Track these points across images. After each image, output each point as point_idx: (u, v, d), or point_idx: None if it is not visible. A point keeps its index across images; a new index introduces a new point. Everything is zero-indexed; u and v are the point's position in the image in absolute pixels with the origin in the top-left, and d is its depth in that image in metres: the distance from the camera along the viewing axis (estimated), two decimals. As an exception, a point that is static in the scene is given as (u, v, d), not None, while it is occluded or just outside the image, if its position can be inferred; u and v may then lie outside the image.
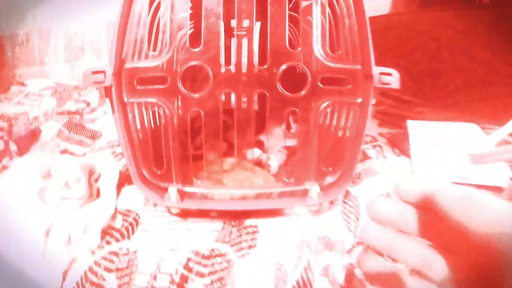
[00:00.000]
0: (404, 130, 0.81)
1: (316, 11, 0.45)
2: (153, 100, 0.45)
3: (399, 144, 0.77)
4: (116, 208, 0.55)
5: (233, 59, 0.45)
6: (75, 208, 0.54)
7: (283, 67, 0.44)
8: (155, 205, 0.55)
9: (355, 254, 0.48)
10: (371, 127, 0.85)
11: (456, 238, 0.28)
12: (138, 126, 0.46)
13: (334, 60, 0.45)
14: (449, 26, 1.06)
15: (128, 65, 0.44)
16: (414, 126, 0.78)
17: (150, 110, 0.46)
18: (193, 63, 0.44)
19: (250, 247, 0.47)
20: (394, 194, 0.34)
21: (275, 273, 0.45)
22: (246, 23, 0.45)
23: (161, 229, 0.51)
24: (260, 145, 0.62)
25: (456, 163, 0.65)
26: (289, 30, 0.45)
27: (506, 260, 0.25)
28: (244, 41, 0.45)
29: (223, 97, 0.46)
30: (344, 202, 0.56)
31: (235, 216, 0.52)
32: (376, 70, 0.45)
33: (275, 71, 0.44)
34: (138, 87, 0.45)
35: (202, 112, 0.46)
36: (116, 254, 0.48)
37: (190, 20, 0.45)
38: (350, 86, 0.46)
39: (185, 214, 0.53)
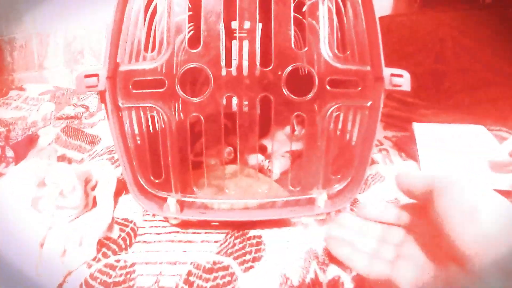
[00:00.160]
0: (409, 132, 0.80)
1: (323, 9, 0.43)
2: (150, 104, 0.43)
3: (406, 147, 0.76)
4: (113, 218, 0.52)
5: (234, 60, 0.42)
6: (71, 218, 0.51)
7: (289, 69, 0.42)
8: (153, 215, 0.52)
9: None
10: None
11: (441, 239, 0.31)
12: (135, 132, 0.44)
13: (342, 61, 0.43)
14: (453, 26, 1.05)
15: (122, 67, 0.42)
16: (420, 129, 0.76)
17: (147, 115, 0.43)
18: (192, 65, 0.42)
19: (254, 259, 0.45)
20: (398, 187, 0.38)
21: (282, 287, 0.42)
22: (248, 22, 0.42)
23: (160, 241, 0.49)
24: (262, 150, 0.59)
25: (467, 167, 0.63)
26: (294, 31, 0.43)
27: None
28: (247, 42, 0.42)
29: (224, 101, 0.43)
30: (352, 210, 0.53)
31: (238, 227, 0.50)
32: (386, 71, 0.42)
33: (280, 73, 0.42)
34: (134, 91, 0.42)
35: (202, 118, 0.43)
36: (113, 267, 0.45)
37: (189, 21, 0.43)
38: (359, 89, 0.43)
39: (185, 224, 0.50)
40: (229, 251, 0.46)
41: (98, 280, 0.43)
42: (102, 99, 0.42)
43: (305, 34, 0.43)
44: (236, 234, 0.49)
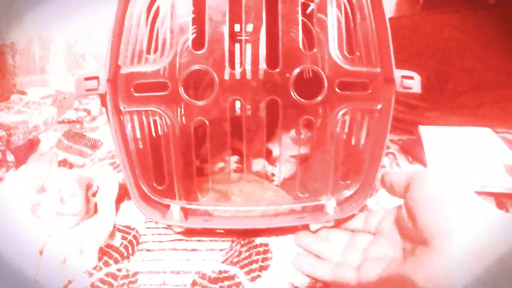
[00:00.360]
0: (415, 136, 0.79)
1: (331, 9, 0.41)
2: (153, 108, 0.41)
3: (412, 151, 0.74)
4: (114, 225, 0.51)
5: (240, 62, 0.41)
6: (71, 225, 0.50)
7: (297, 70, 0.40)
8: (156, 222, 0.51)
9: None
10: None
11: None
12: (137, 138, 0.42)
13: (351, 63, 0.41)
14: (456, 27, 1.04)
15: (124, 70, 0.40)
16: (426, 132, 0.75)
17: (149, 119, 0.42)
18: (196, 67, 0.40)
19: (261, 268, 0.43)
20: (381, 184, 0.42)
21: (289, 297, 0.41)
22: (254, 23, 0.41)
23: (164, 249, 0.47)
24: (268, 155, 0.58)
25: (475, 171, 0.61)
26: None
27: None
28: (253, 43, 0.41)
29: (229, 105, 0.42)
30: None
31: (244, 234, 0.48)
32: (397, 73, 0.41)
33: (288, 75, 0.40)
34: (136, 94, 0.40)
35: (207, 122, 0.42)
36: (115, 276, 0.43)
37: (192, 23, 0.41)
38: (369, 91, 0.42)
39: (189, 232, 0.48)
40: (235, 259, 0.45)
41: (100, 290, 0.42)
42: (103, 103, 0.40)
43: (310, 36, 0.42)
44: (242, 242, 0.47)
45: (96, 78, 0.38)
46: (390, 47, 0.40)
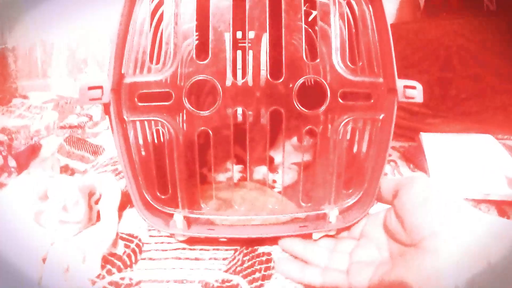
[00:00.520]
0: (417, 143, 0.78)
1: (334, 20, 0.41)
2: (156, 118, 0.41)
3: (414, 158, 0.74)
4: (117, 233, 0.51)
5: (243, 72, 0.41)
6: (74, 233, 0.50)
7: (300, 81, 0.41)
8: (159, 230, 0.51)
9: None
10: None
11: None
12: (140, 147, 0.42)
13: (354, 73, 0.41)
14: (458, 33, 1.04)
15: (128, 80, 0.40)
16: (428, 139, 0.75)
17: (153, 129, 0.42)
18: (200, 77, 0.40)
19: (264, 277, 0.43)
20: None
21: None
22: (256, 31, 0.41)
23: (167, 258, 0.47)
24: (270, 162, 0.58)
25: (477, 178, 0.61)
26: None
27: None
28: (256, 53, 0.41)
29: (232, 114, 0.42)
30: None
31: (247, 243, 0.48)
32: (399, 83, 0.41)
33: (291, 85, 0.41)
34: (139, 104, 0.41)
35: (210, 131, 0.42)
36: (118, 285, 0.43)
37: (196, 31, 0.41)
38: (372, 101, 0.42)
39: (192, 241, 0.48)
40: (238, 268, 0.44)
41: (102, 299, 0.42)
42: (106, 111, 0.40)
43: (312, 46, 0.42)
44: (245, 251, 0.47)
45: (100, 87, 0.38)
46: (392, 57, 0.41)
